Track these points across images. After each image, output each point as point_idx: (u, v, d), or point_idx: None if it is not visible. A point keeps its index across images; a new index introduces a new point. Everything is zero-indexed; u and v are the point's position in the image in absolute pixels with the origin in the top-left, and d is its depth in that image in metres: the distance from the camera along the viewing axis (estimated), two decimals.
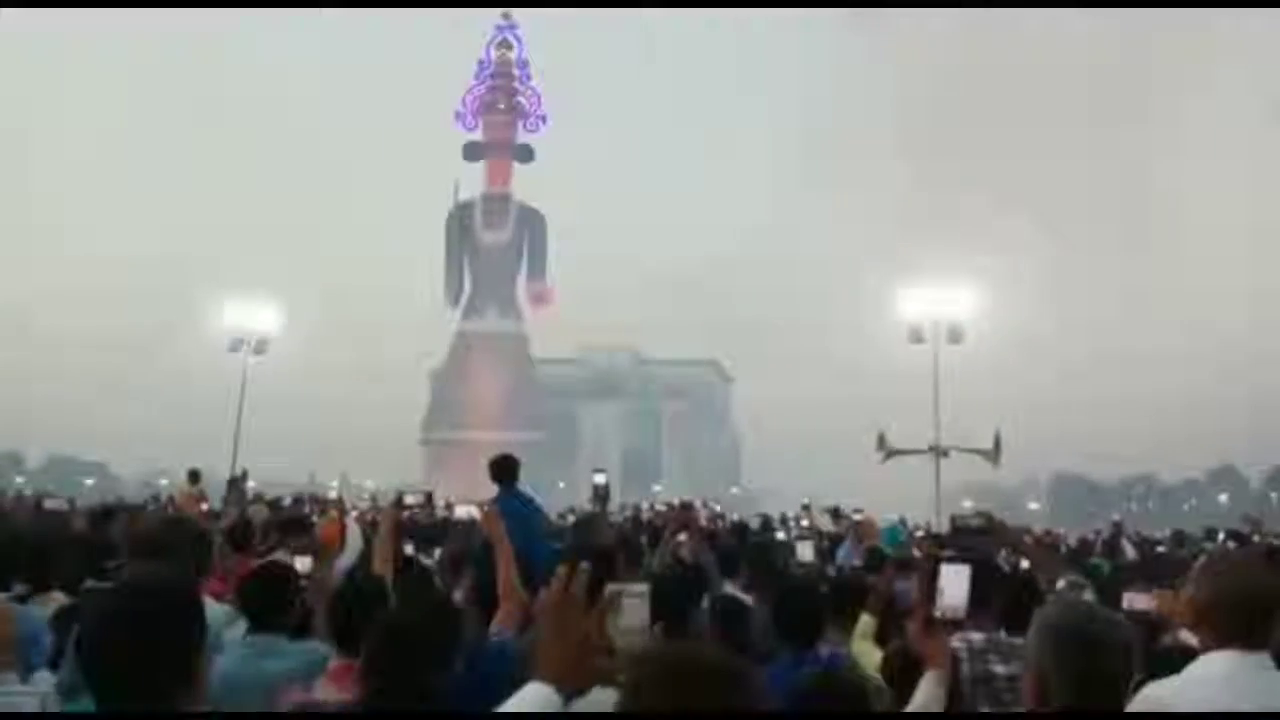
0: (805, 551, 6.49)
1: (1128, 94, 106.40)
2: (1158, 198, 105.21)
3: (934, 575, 2.81)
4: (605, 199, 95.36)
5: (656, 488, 61.01)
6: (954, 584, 2.78)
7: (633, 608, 2.65)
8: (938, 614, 2.77)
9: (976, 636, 3.14)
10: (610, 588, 2.70)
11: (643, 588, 2.85)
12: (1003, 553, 8.43)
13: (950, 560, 2.86)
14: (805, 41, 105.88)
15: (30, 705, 3.05)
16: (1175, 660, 2.66)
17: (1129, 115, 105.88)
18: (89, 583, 4.70)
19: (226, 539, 7.47)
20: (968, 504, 69.46)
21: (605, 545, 6.09)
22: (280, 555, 6.08)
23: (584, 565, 1.87)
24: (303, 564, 4.20)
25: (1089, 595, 3.31)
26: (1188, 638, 3.26)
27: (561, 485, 52.05)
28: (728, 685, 1.40)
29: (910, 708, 2.67)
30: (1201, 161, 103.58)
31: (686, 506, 6.19)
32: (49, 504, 11.39)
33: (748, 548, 7.77)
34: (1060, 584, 3.43)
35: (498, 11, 66.83)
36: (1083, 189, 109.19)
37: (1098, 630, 2.04)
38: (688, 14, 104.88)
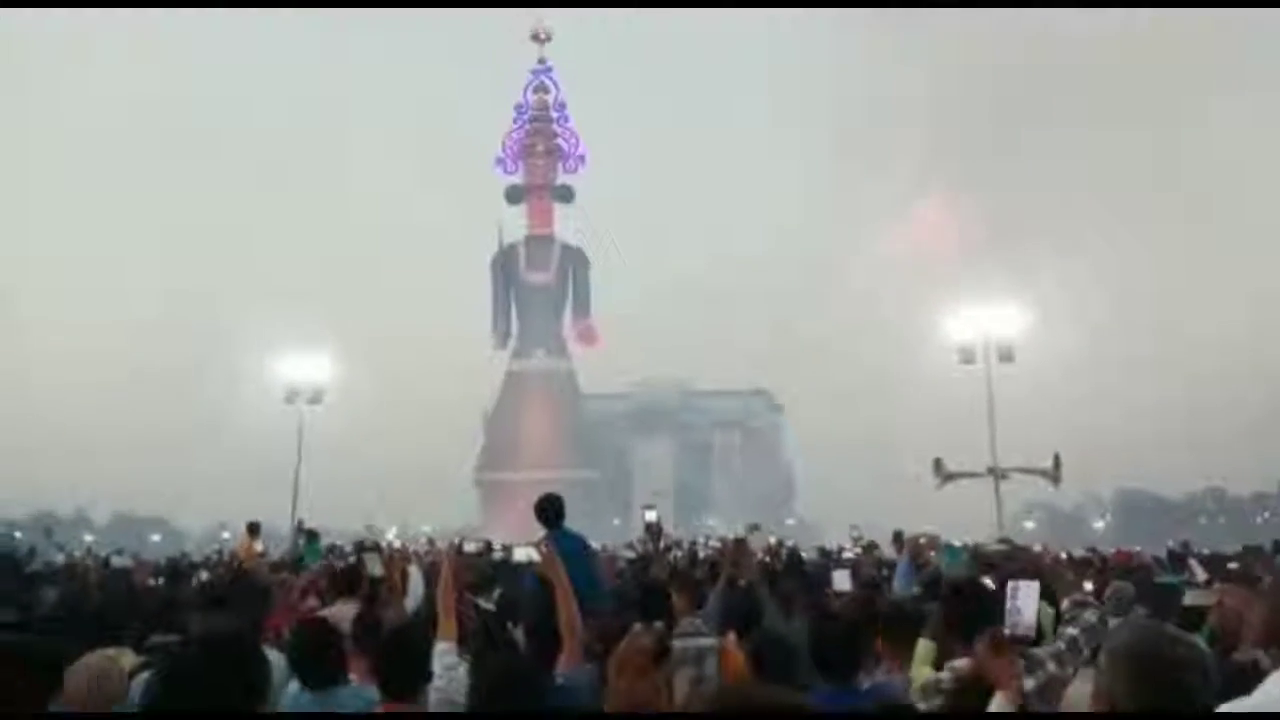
0: (842, 581, 6.36)
1: (1182, 94, 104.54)
2: (1219, 198, 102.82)
3: (1002, 595, 2.81)
4: (646, 228, 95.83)
5: (710, 521, 60.57)
6: (1024, 602, 2.77)
7: (693, 663, 2.68)
8: (1007, 632, 2.77)
9: None
10: (678, 644, 2.75)
11: (712, 641, 2.88)
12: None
13: (1017, 579, 2.85)
14: (839, 50, 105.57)
15: None
16: (1247, 679, 2.58)
17: (1186, 117, 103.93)
18: (155, 638, 4.83)
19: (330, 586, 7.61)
20: (1029, 525, 67.96)
21: (659, 583, 6.10)
22: (341, 605, 6.16)
23: (657, 626, 1.93)
24: (346, 611, 4.28)
25: (1092, 614, 3.29)
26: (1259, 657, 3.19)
27: (616, 522, 51.94)
28: None
29: None
30: (1267, 161, 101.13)
31: (741, 541, 6.16)
32: (116, 562, 11.71)
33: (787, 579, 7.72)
34: (1065, 603, 3.40)
35: (536, 50, 68.00)
36: (1140, 192, 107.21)
37: (1175, 655, 1.97)
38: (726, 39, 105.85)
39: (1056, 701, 2.97)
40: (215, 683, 1.89)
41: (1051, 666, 3.02)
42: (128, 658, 4.46)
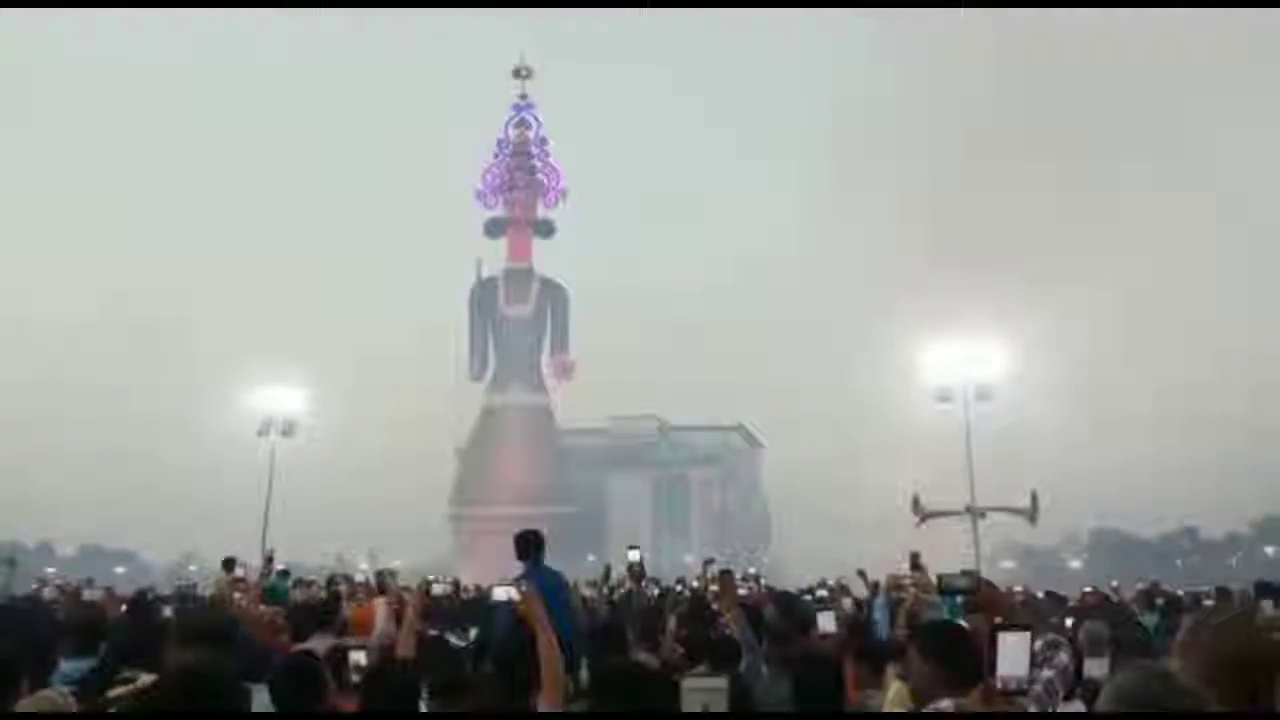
0: (827, 623, 6.36)
1: (1182, 126, 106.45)
2: (1195, 244, 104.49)
3: (992, 644, 2.76)
4: (623, 263, 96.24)
5: (687, 558, 60.28)
6: (1013, 652, 2.73)
7: (707, 700, 2.67)
8: (998, 684, 2.71)
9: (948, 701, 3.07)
10: (687, 683, 2.73)
11: (721, 682, 2.87)
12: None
13: (1007, 629, 2.81)
14: (830, 79, 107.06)
15: None
16: None
17: (1183, 148, 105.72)
18: (125, 673, 4.74)
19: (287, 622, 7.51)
20: (1008, 564, 68.04)
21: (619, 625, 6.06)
22: (315, 641, 6.08)
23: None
24: (357, 657, 4.22)
25: (1065, 655, 3.30)
26: None
27: (591, 558, 51.56)
28: None
29: None
30: (1255, 185, 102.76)
31: (726, 574, 6.11)
32: (87, 594, 11.48)
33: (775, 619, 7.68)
34: (1038, 644, 3.39)
35: (517, 86, 68.49)
36: (1120, 231, 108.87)
37: (1183, 705, 1.94)
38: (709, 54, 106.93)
39: None
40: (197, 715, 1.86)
41: (1033, 708, 3.02)
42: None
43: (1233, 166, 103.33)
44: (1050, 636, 3.42)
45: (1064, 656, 3.28)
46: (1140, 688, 1.98)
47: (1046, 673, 3.21)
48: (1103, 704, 2.02)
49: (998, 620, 2.98)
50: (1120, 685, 2.05)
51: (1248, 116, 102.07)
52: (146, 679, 4.25)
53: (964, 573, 3.73)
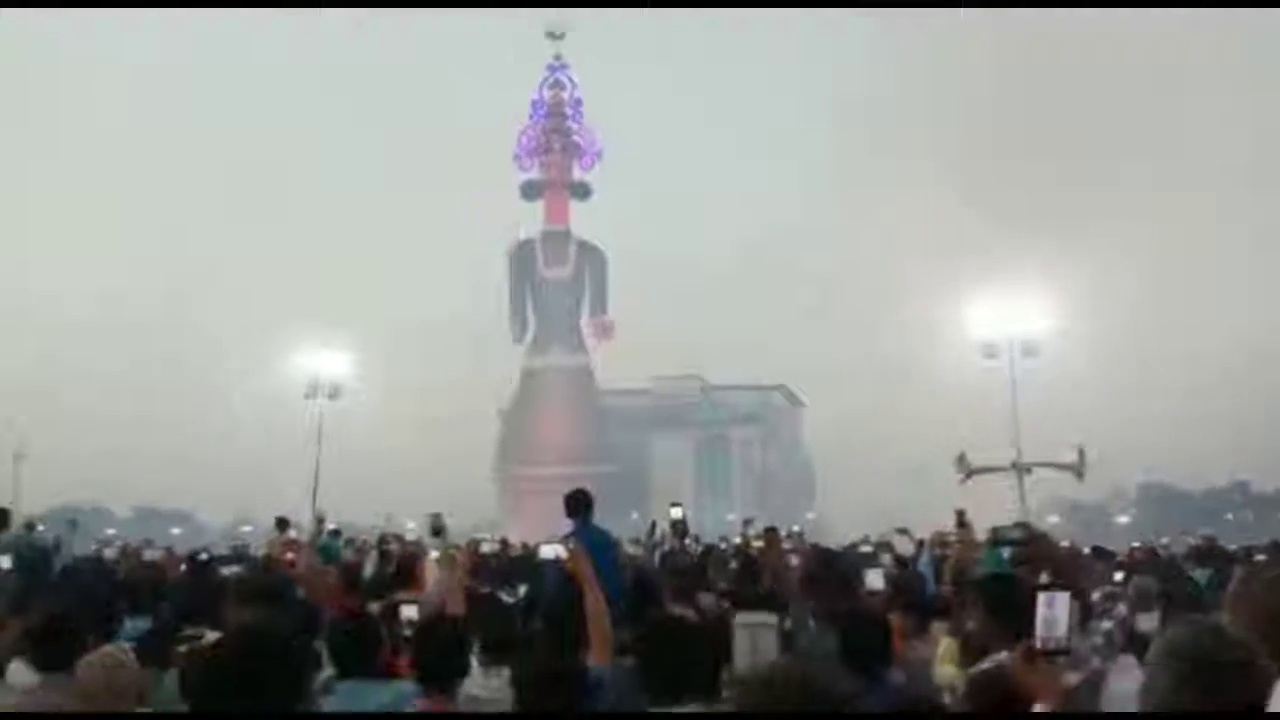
0: (875, 580, 6.38)
1: (1201, 79, 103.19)
2: (1235, 190, 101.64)
3: (1033, 604, 2.74)
4: (666, 224, 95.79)
5: (730, 516, 60.57)
6: (1057, 613, 2.70)
7: (758, 637, 2.71)
8: (1038, 645, 2.70)
9: None
10: (739, 619, 2.77)
11: (770, 618, 2.91)
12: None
13: (1048, 588, 2.80)
14: (863, 35, 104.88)
15: None
16: None
17: (1208, 106, 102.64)
18: (187, 630, 4.89)
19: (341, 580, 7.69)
20: (1054, 519, 67.44)
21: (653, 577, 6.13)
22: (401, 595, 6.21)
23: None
24: (408, 612, 4.32)
25: (1123, 607, 3.24)
26: None
27: (634, 516, 52.05)
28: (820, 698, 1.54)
29: None
30: None
31: (771, 531, 6.15)
32: (147, 555, 11.85)
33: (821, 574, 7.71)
34: (1095, 595, 3.36)
35: (552, 47, 68.08)
36: (1160, 185, 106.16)
37: (1237, 656, 1.92)
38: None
39: (1098, 695, 2.93)
40: (263, 675, 1.91)
41: (1095, 662, 3.00)
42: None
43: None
44: (1108, 588, 3.40)
45: (1122, 608, 3.27)
46: (1191, 641, 1.97)
47: (1105, 624, 3.18)
48: (1153, 657, 2.01)
49: (1043, 577, 2.96)
50: (1171, 639, 2.04)
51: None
52: (211, 636, 4.38)
53: (1017, 524, 3.68)
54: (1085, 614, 3.27)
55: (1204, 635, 2.01)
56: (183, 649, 4.30)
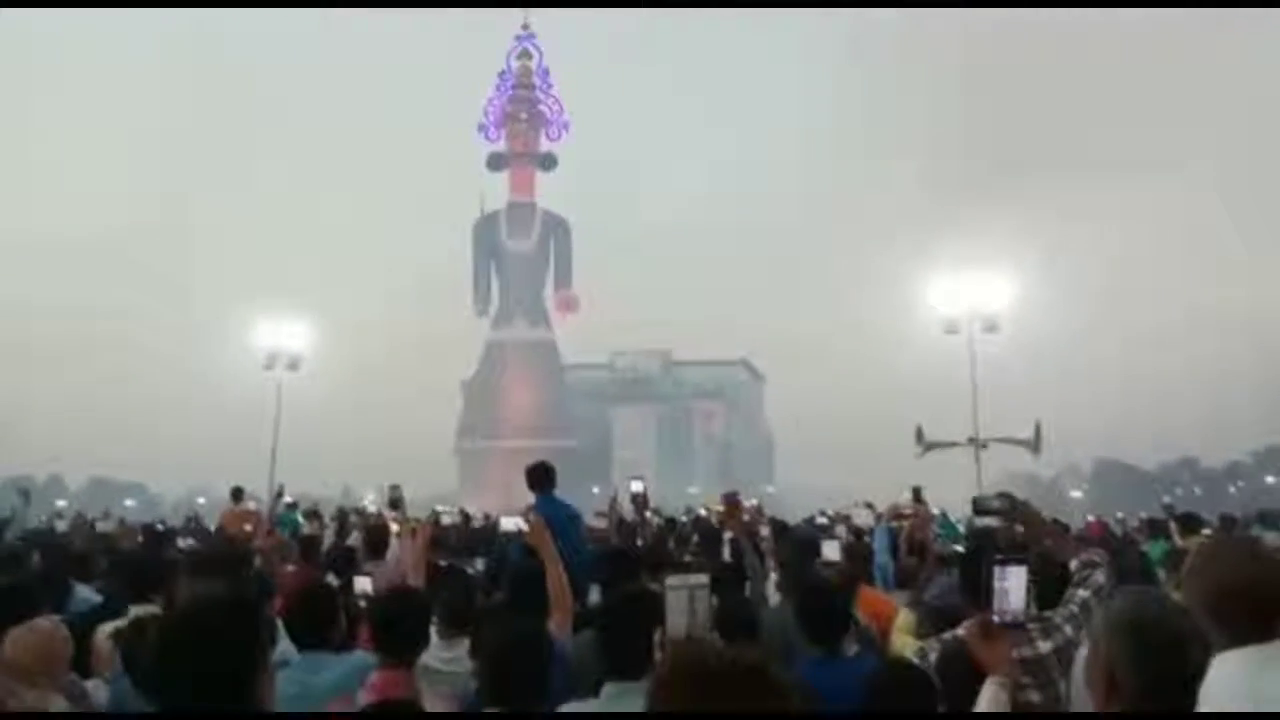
0: (831, 551, 6.46)
1: (1166, 66, 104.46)
2: (1199, 167, 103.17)
3: (989, 577, 2.73)
4: (627, 198, 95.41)
5: (691, 489, 60.94)
6: (1012, 586, 2.71)
7: (680, 601, 2.70)
8: (996, 618, 2.70)
9: None
10: (670, 581, 2.75)
11: (702, 578, 2.90)
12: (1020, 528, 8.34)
13: (1005, 561, 2.78)
14: (833, 12, 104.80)
15: None
16: None
17: (1173, 81, 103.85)
18: (138, 608, 4.81)
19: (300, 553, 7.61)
20: (990, 496, 68.17)
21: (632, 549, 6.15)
22: (369, 568, 6.15)
23: None
24: (362, 584, 4.27)
25: (1101, 575, 3.24)
26: None
27: (596, 490, 52.22)
28: (749, 685, 1.39)
29: (977, 713, 2.58)
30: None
31: (732, 497, 6.14)
32: (101, 526, 11.65)
33: (782, 546, 7.78)
34: (1074, 564, 3.35)
35: (518, 17, 67.18)
36: (1124, 161, 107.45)
37: (1179, 626, 1.91)
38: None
39: (1069, 665, 2.95)
40: (219, 642, 1.87)
41: (1068, 630, 2.99)
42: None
43: (1246, 83, 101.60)
44: (1085, 556, 3.35)
45: (1100, 576, 3.19)
46: (1134, 610, 1.96)
47: (1082, 592, 3.15)
48: (1099, 629, 2.00)
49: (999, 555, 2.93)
50: (1112, 609, 2.04)
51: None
52: (140, 611, 4.32)
53: (999, 494, 3.64)
54: (1063, 583, 3.27)
55: (1148, 604, 2.00)
56: (107, 626, 4.24)
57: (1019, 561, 2.77)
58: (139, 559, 6.68)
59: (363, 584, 5.12)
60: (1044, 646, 2.95)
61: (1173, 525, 10.84)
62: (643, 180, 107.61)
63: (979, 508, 3.68)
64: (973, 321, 26.84)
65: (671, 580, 2.85)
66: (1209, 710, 1.89)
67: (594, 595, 5.71)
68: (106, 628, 4.31)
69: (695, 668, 1.42)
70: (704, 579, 2.83)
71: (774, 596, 5.86)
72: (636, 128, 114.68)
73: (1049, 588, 3.31)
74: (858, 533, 10.78)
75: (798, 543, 7.35)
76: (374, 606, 3.41)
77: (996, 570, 2.72)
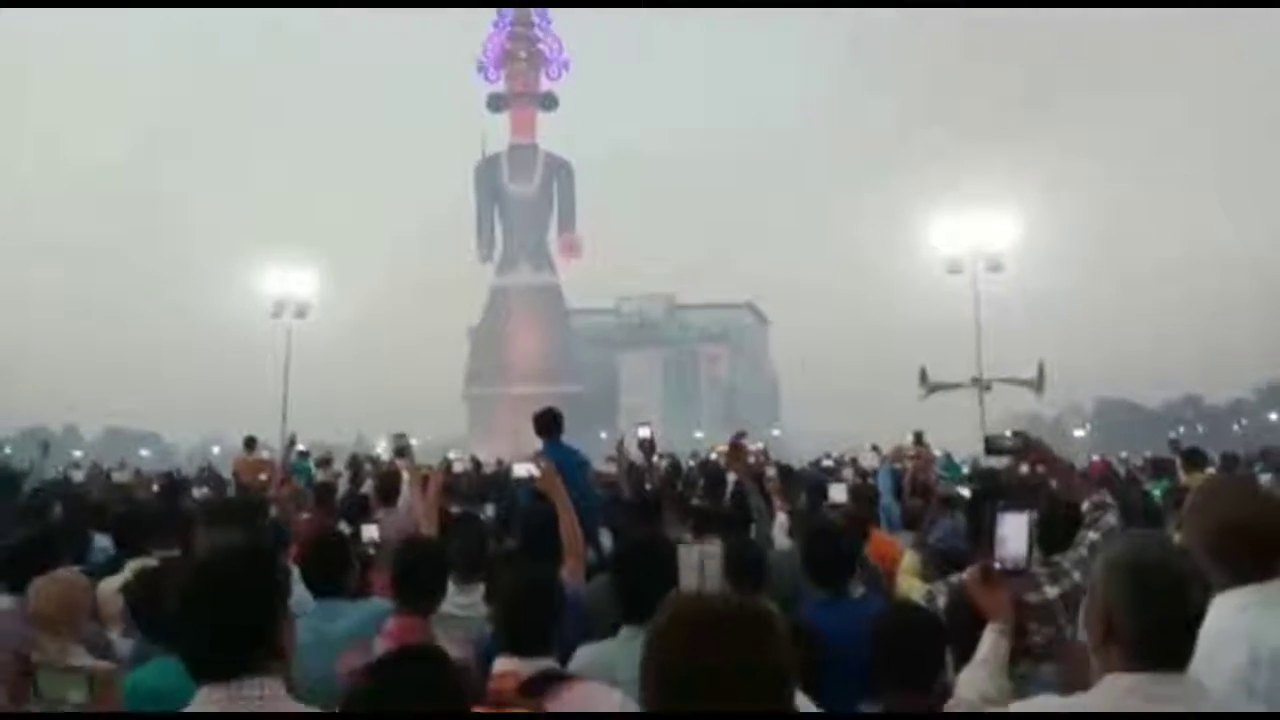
0: (838, 494, 6.50)
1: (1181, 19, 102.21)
2: (1222, 103, 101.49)
3: (992, 524, 2.73)
4: (633, 140, 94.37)
5: (698, 434, 61.25)
6: (1013, 533, 2.71)
7: (691, 557, 2.76)
8: (997, 565, 2.70)
9: None
10: (681, 548, 2.80)
11: (715, 548, 2.95)
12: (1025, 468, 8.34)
13: (1007, 509, 2.79)
14: None
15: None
16: None
17: (1182, 42, 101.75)
18: (159, 553, 4.91)
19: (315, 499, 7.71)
20: (1004, 434, 68.40)
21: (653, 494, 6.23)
22: (382, 515, 6.24)
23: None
24: (369, 532, 4.33)
25: (1112, 517, 3.21)
26: None
27: (603, 435, 52.55)
28: (744, 634, 1.40)
29: (976, 660, 2.60)
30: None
31: (737, 440, 6.18)
32: (116, 477, 11.79)
33: (791, 489, 7.86)
34: (1085, 505, 3.32)
35: None
36: (1110, 108, 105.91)
37: (1180, 568, 1.88)
38: None
39: (1076, 610, 2.95)
40: (239, 590, 1.92)
41: (1076, 575, 2.96)
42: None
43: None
44: (1096, 497, 3.26)
45: (1111, 518, 3.15)
46: (1134, 553, 1.94)
47: (1092, 535, 3.10)
48: (1097, 572, 1.98)
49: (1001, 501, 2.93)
50: (1112, 551, 2.01)
51: None
52: (137, 565, 4.41)
53: (1014, 433, 3.60)
54: (1074, 524, 3.25)
55: (1145, 547, 1.98)
56: (113, 580, 4.31)
57: (1020, 508, 2.76)
58: (151, 510, 6.79)
59: (370, 532, 5.20)
60: (1051, 592, 2.93)
61: (1178, 463, 10.81)
62: (642, 119, 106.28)
63: (992, 446, 3.61)
64: (976, 261, 26.70)
65: (684, 549, 2.91)
66: (1207, 648, 1.88)
67: (605, 540, 5.81)
68: (113, 581, 4.41)
69: (693, 616, 1.45)
70: (716, 549, 2.88)
71: (781, 539, 5.95)
72: (635, 66, 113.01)
73: (1059, 529, 3.32)
74: (864, 475, 10.84)
75: (804, 485, 7.43)
76: (393, 556, 3.47)
77: (999, 518, 2.72)
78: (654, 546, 3.11)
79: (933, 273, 28.52)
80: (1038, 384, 25.25)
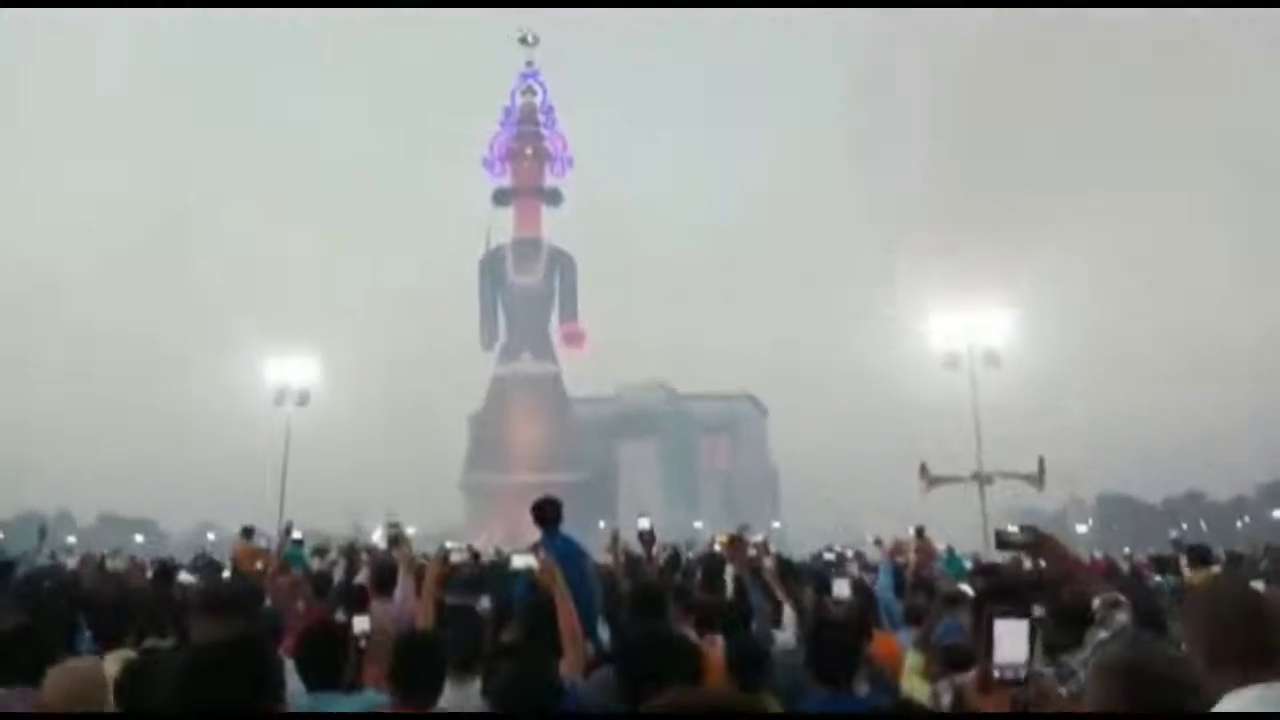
0: (842, 589, 6.42)
1: (1176, 97, 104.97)
2: (1200, 198, 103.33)
3: (989, 630, 2.63)
4: (635, 232, 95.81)
5: (697, 524, 60.63)
6: (1011, 640, 2.61)
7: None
8: (995, 674, 2.62)
9: None
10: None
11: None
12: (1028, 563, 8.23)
13: (1005, 614, 2.69)
14: (835, 46, 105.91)
15: None
16: None
17: (1174, 108, 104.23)
18: (150, 641, 4.83)
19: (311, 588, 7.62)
20: (1012, 529, 67.86)
21: (654, 586, 6.16)
22: (376, 606, 6.16)
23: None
24: (361, 624, 4.27)
25: (1124, 615, 3.14)
26: None
27: (601, 525, 52.07)
28: None
29: None
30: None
31: (736, 539, 6.17)
32: (110, 564, 11.66)
33: (792, 585, 7.77)
34: (1095, 603, 3.26)
35: (523, 54, 67.95)
36: (1110, 204, 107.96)
37: (1169, 674, 1.88)
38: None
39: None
40: (234, 682, 1.91)
41: (1083, 675, 2.89)
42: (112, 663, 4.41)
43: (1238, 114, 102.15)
44: (1107, 595, 3.20)
45: (1122, 617, 3.08)
46: (1121, 656, 1.93)
47: (1102, 633, 3.04)
48: (1089, 674, 1.98)
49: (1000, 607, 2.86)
50: (1104, 653, 2.02)
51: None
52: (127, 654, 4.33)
53: (1022, 528, 3.53)
54: (1084, 622, 3.19)
55: (1134, 650, 1.97)
56: (114, 658, 4.24)
57: (1019, 613, 2.69)
58: (142, 598, 6.70)
59: (361, 624, 5.13)
60: (1060, 693, 2.88)
61: (1182, 560, 10.72)
62: (643, 214, 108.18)
63: (1001, 541, 3.53)
64: (972, 354, 26.87)
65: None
66: None
67: (604, 633, 5.72)
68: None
69: (690, 710, 1.44)
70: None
71: (788, 631, 5.83)
72: (637, 162, 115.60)
73: (1068, 628, 3.26)
74: (870, 569, 10.74)
75: (807, 580, 7.36)
76: (392, 649, 3.43)
77: (997, 623, 2.63)
78: (662, 641, 3.07)
79: (931, 363, 28.68)
80: (1038, 479, 25.17)
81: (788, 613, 6.32)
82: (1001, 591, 4.68)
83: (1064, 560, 3.54)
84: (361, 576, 8.91)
